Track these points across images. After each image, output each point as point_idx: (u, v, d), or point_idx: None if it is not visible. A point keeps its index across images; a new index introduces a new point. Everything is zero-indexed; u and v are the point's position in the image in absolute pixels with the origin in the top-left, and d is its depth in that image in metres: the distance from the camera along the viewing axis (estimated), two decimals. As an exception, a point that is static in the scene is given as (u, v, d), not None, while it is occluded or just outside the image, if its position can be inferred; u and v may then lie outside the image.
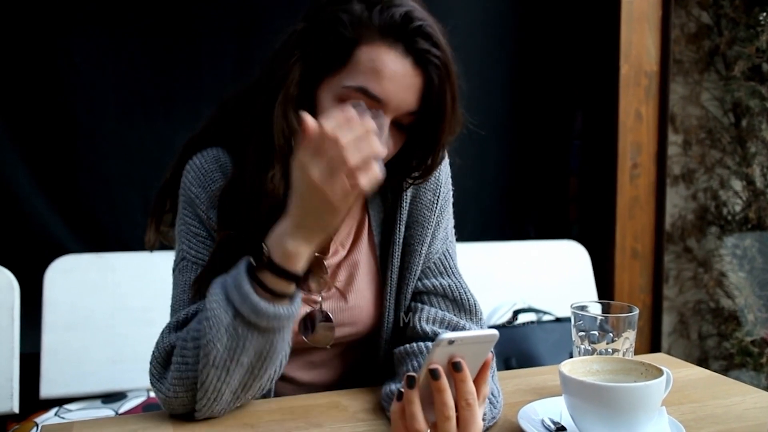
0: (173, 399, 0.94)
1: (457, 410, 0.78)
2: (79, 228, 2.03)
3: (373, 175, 0.82)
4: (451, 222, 1.16)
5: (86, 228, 2.04)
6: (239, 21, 2.09)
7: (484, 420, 0.90)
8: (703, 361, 2.66)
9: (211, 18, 2.09)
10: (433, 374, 0.77)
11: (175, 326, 0.98)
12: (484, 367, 0.81)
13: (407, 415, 0.79)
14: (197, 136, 1.07)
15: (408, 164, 1.03)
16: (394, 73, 0.90)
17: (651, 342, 2.56)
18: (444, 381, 0.77)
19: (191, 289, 1.00)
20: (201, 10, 2.08)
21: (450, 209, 1.15)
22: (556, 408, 0.95)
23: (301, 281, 0.89)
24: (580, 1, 2.52)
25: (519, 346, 1.96)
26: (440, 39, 0.92)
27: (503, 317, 2.09)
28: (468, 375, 0.79)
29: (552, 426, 0.90)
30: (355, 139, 0.80)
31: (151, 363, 0.97)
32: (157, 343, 0.98)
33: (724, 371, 2.59)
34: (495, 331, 0.80)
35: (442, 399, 0.78)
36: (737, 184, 2.61)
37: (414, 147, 1.01)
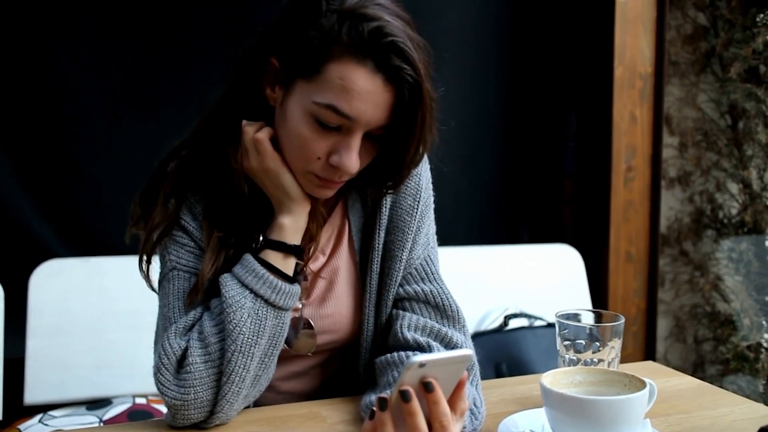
0: (191, 402, 0.92)
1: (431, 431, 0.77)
2: (65, 231, 2.01)
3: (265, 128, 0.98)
4: (433, 227, 1.14)
5: (73, 231, 2.02)
6: (228, 21, 2.07)
7: None
8: (699, 366, 2.64)
9: (200, 19, 2.07)
10: (404, 396, 0.75)
11: (183, 331, 0.97)
12: (459, 385, 0.79)
13: None
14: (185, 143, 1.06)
15: (382, 174, 1.02)
16: (364, 91, 0.87)
17: (645, 347, 2.54)
18: (415, 404, 0.75)
19: (188, 297, 0.99)
20: (189, 10, 2.06)
21: (431, 214, 1.13)
22: (539, 420, 0.92)
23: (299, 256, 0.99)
24: (573, 1, 2.50)
25: (510, 351, 1.93)
26: (413, 55, 0.87)
27: (494, 322, 2.06)
28: (441, 396, 0.77)
29: (533, 439, 0.88)
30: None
31: (159, 371, 0.94)
32: (164, 350, 0.94)
33: (720, 376, 2.57)
34: (469, 351, 0.78)
35: (414, 423, 0.76)
36: (733, 187, 2.59)
37: (386, 158, 0.99)
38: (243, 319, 0.92)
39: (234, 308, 0.92)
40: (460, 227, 2.42)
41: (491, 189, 2.52)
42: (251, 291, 0.94)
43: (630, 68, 2.41)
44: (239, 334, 0.92)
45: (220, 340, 0.93)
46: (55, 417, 1.74)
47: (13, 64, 1.95)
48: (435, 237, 1.16)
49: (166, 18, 2.05)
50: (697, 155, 2.60)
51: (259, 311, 0.93)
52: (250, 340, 0.93)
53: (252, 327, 0.93)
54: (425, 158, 1.12)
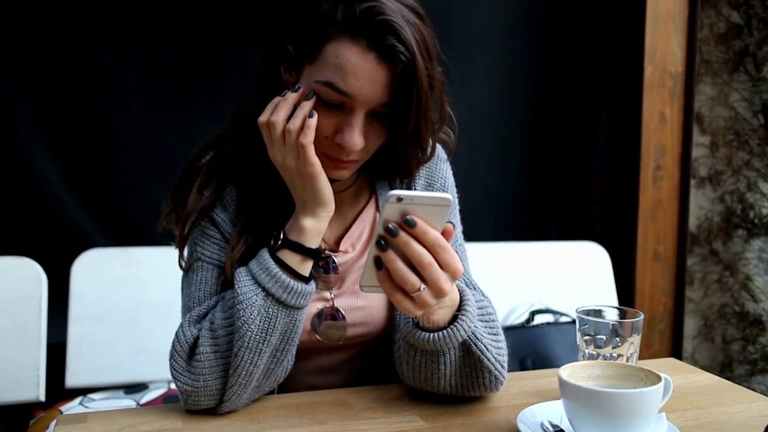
0: (201, 389, 0.95)
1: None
2: (105, 222, 2.09)
3: (309, 130, 0.92)
4: (459, 227, 1.18)
5: (112, 222, 2.09)
6: (264, 17, 2.11)
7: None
8: (726, 366, 2.63)
9: (236, 14, 2.12)
10: (390, 232, 0.76)
11: (196, 319, 1.00)
12: (444, 235, 0.80)
13: (396, 275, 0.79)
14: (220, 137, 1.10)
15: (398, 162, 1.07)
16: (357, 68, 0.91)
17: (672, 345, 2.53)
18: (404, 234, 0.77)
19: (216, 286, 1.03)
20: (226, 6, 2.12)
21: (457, 216, 1.18)
22: (557, 411, 0.95)
23: (316, 258, 0.97)
24: (604, 0, 2.50)
25: (535, 347, 1.94)
26: (404, 33, 0.90)
27: (520, 318, 2.08)
28: (426, 227, 0.78)
29: (551, 429, 0.91)
30: (287, 113, 0.93)
31: (172, 357, 0.98)
32: (177, 337, 0.98)
33: (749, 376, 2.55)
34: (448, 195, 0.78)
35: (412, 250, 0.78)
36: (765, 187, 2.56)
37: (399, 144, 1.03)
38: (252, 316, 0.93)
39: (244, 305, 0.93)
40: (487, 224, 2.44)
41: (519, 186, 2.54)
42: (263, 289, 0.94)
43: (660, 67, 2.40)
44: (247, 330, 0.93)
45: (229, 333, 0.95)
46: (94, 400, 1.81)
47: (55, 60, 2.01)
48: (462, 236, 1.19)
49: (204, 15, 2.11)
50: (729, 155, 2.58)
51: (270, 309, 0.94)
52: (258, 336, 0.93)
53: (261, 324, 0.93)
54: (447, 162, 1.17)
